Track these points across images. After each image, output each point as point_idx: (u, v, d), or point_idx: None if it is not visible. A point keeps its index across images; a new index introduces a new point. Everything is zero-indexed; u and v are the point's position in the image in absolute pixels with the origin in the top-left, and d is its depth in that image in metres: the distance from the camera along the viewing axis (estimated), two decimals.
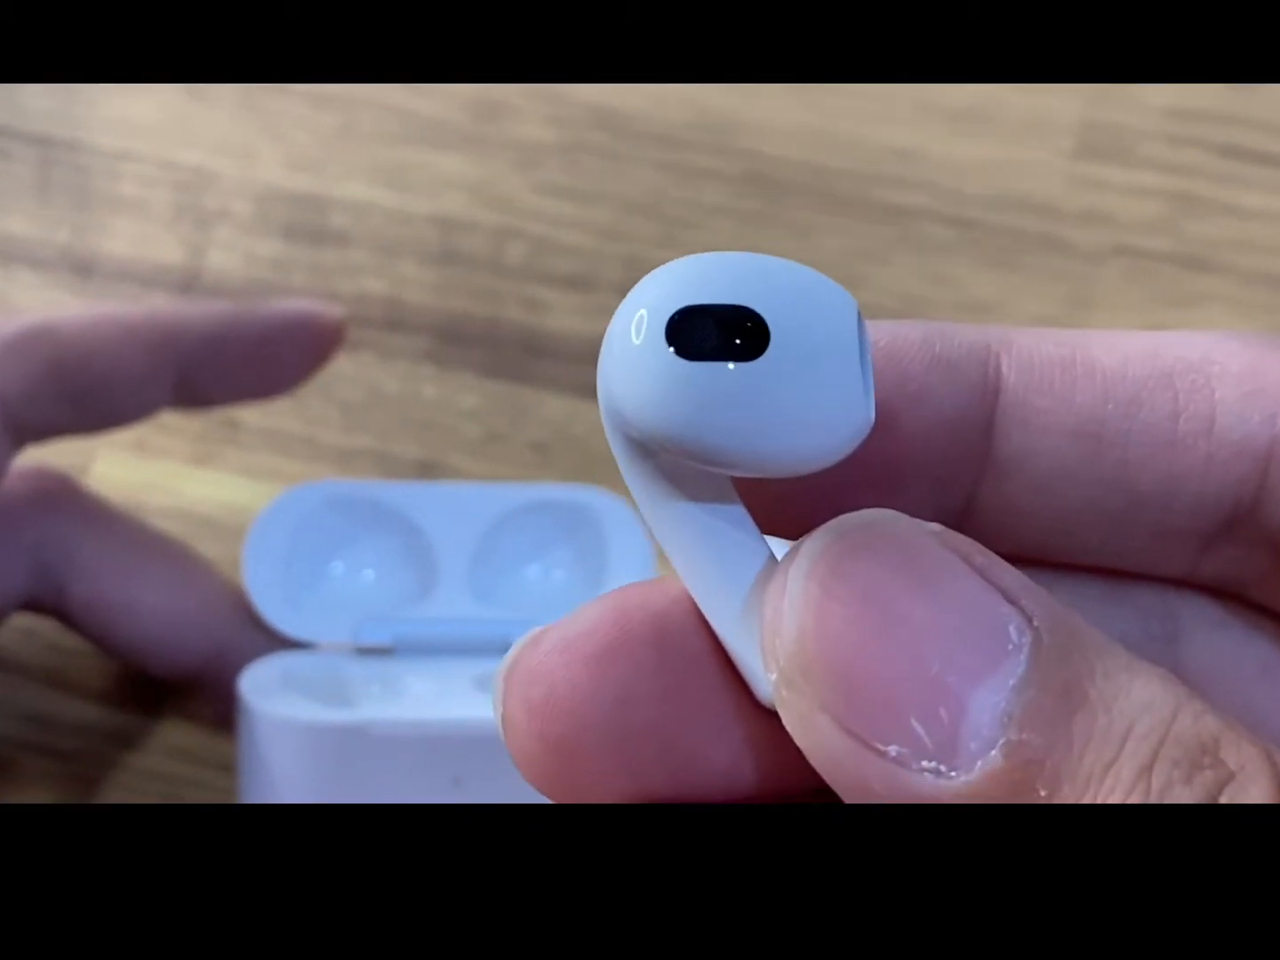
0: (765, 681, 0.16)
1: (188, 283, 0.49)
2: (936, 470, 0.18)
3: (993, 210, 0.49)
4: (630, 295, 0.16)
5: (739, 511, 0.17)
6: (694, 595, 0.17)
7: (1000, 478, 0.18)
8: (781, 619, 0.16)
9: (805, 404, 0.15)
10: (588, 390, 0.47)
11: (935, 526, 0.16)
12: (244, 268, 0.49)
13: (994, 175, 0.50)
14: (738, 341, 0.15)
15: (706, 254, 0.16)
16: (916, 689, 0.15)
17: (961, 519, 0.19)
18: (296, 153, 0.50)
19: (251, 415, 0.46)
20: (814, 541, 0.16)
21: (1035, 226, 0.49)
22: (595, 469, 0.46)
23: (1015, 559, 0.16)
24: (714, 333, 0.15)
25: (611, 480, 0.45)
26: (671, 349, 0.15)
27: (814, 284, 0.16)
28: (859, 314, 0.16)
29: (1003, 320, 0.48)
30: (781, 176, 0.50)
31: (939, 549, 0.16)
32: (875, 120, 0.50)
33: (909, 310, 0.48)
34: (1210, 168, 0.49)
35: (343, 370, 0.47)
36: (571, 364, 0.48)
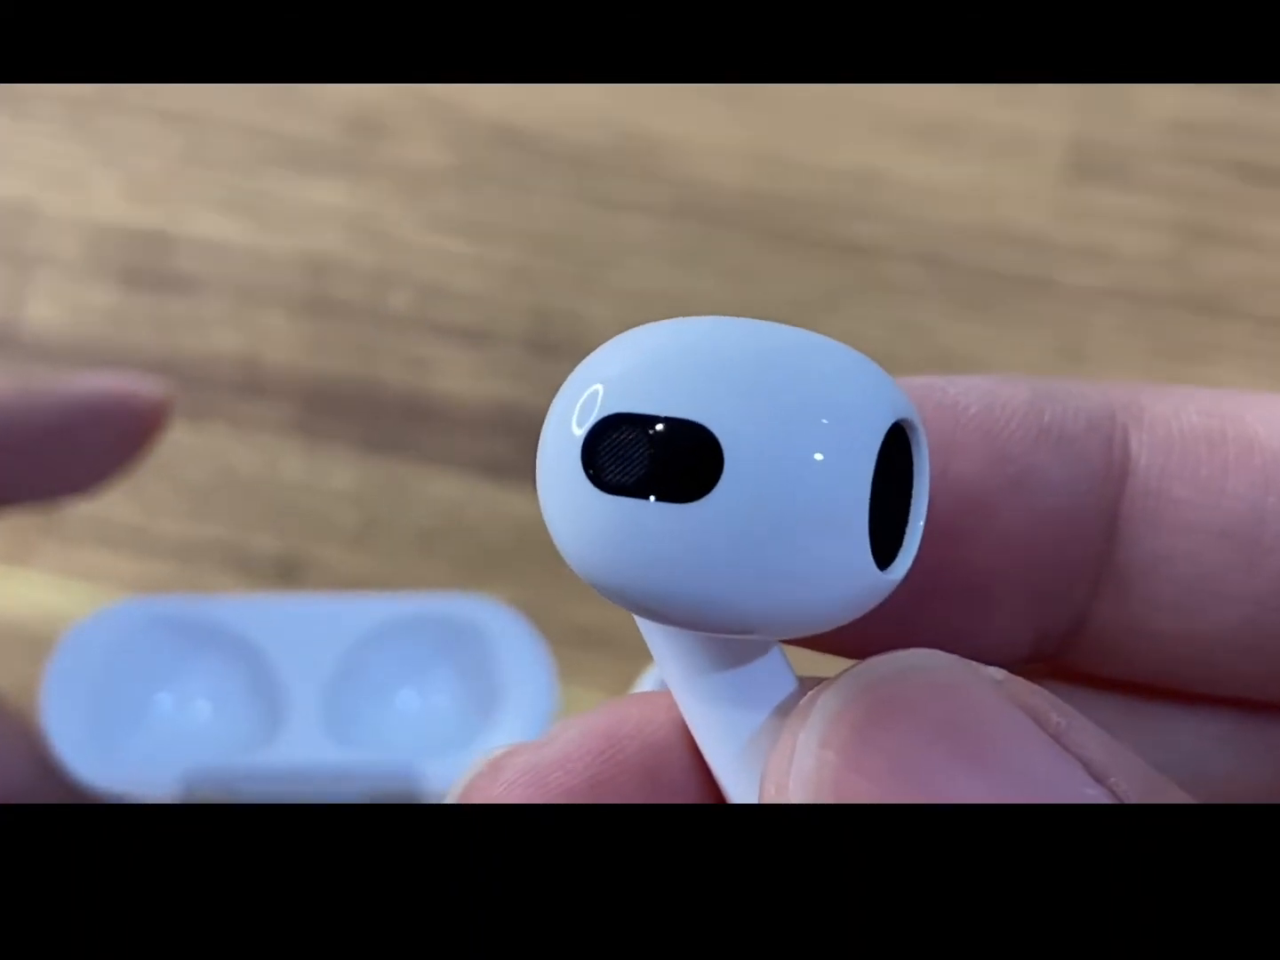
0: None
1: (1, 341, 0.45)
2: (1041, 579, 0.17)
3: (968, 245, 0.46)
4: (570, 377, 0.14)
5: None
6: (692, 730, 0.15)
7: (1124, 590, 0.17)
8: (787, 797, 0.14)
9: (768, 563, 0.13)
10: (485, 467, 0.43)
11: (997, 673, 0.15)
12: (71, 321, 0.45)
13: (969, 203, 0.47)
14: (675, 471, 0.13)
15: (683, 321, 0.14)
16: None
17: (1068, 642, 0.17)
18: (135, 181, 0.47)
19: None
20: (832, 696, 0.14)
21: (1018, 264, 0.46)
22: (494, 563, 0.42)
23: (1127, 687, 0.16)
24: (643, 455, 0.13)
25: (512, 578, 0.40)
26: (588, 474, 0.14)
27: (828, 380, 0.14)
28: (904, 425, 0.14)
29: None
30: (716, 206, 0.47)
31: (1002, 705, 0.14)
32: (826, 138, 0.47)
33: None
34: (1223, 190, 0.46)
35: (188, 444, 0.43)
36: (466, 435, 0.44)
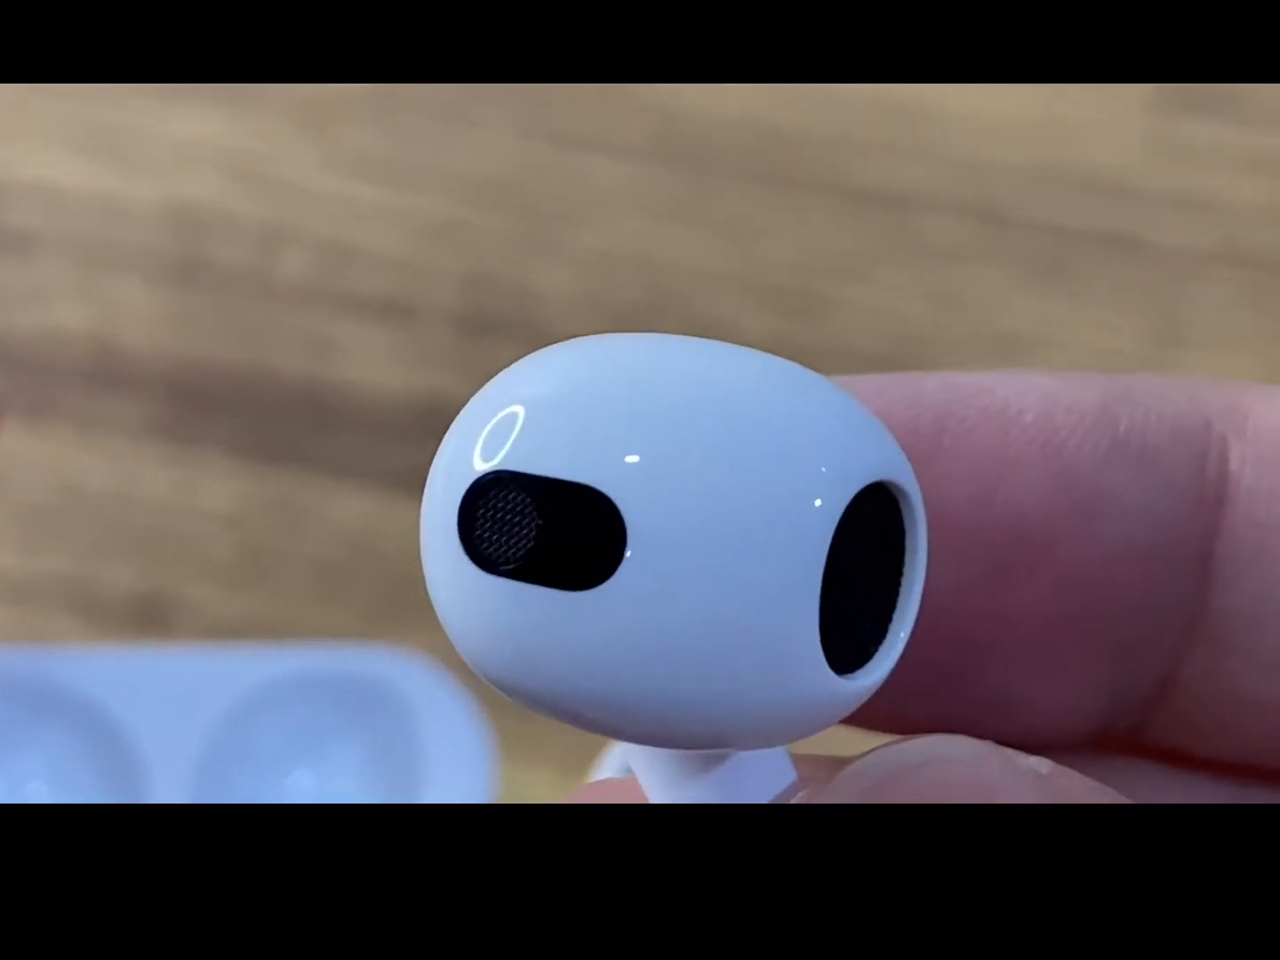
0: None
1: None
2: (1114, 631, 0.18)
3: (1031, 194, 0.48)
4: (466, 409, 0.15)
5: None
6: None
7: (1221, 646, 0.17)
8: None
9: (679, 667, 0.14)
10: (402, 480, 0.45)
11: (1041, 764, 0.15)
12: None
13: (1034, 140, 0.49)
14: (566, 550, 0.14)
15: (615, 342, 0.15)
16: None
17: (1150, 711, 0.18)
18: None
19: None
20: (838, 793, 0.15)
21: (1097, 219, 0.48)
22: (413, 605, 0.44)
23: (1224, 769, 0.16)
24: (529, 527, 0.14)
25: (437, 625, 0.42)
26: (465, 546, 0.14)
27: (774, 434, 0.14)
28: (887, 488, 0.15)
29: (1048, 361, 0.47)
30: (707, 145, 0.49)
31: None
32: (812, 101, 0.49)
33: (899, 353, 0.46)
34: None
35: (21, 452, 0.45)
36: (379, 439, 0.46)
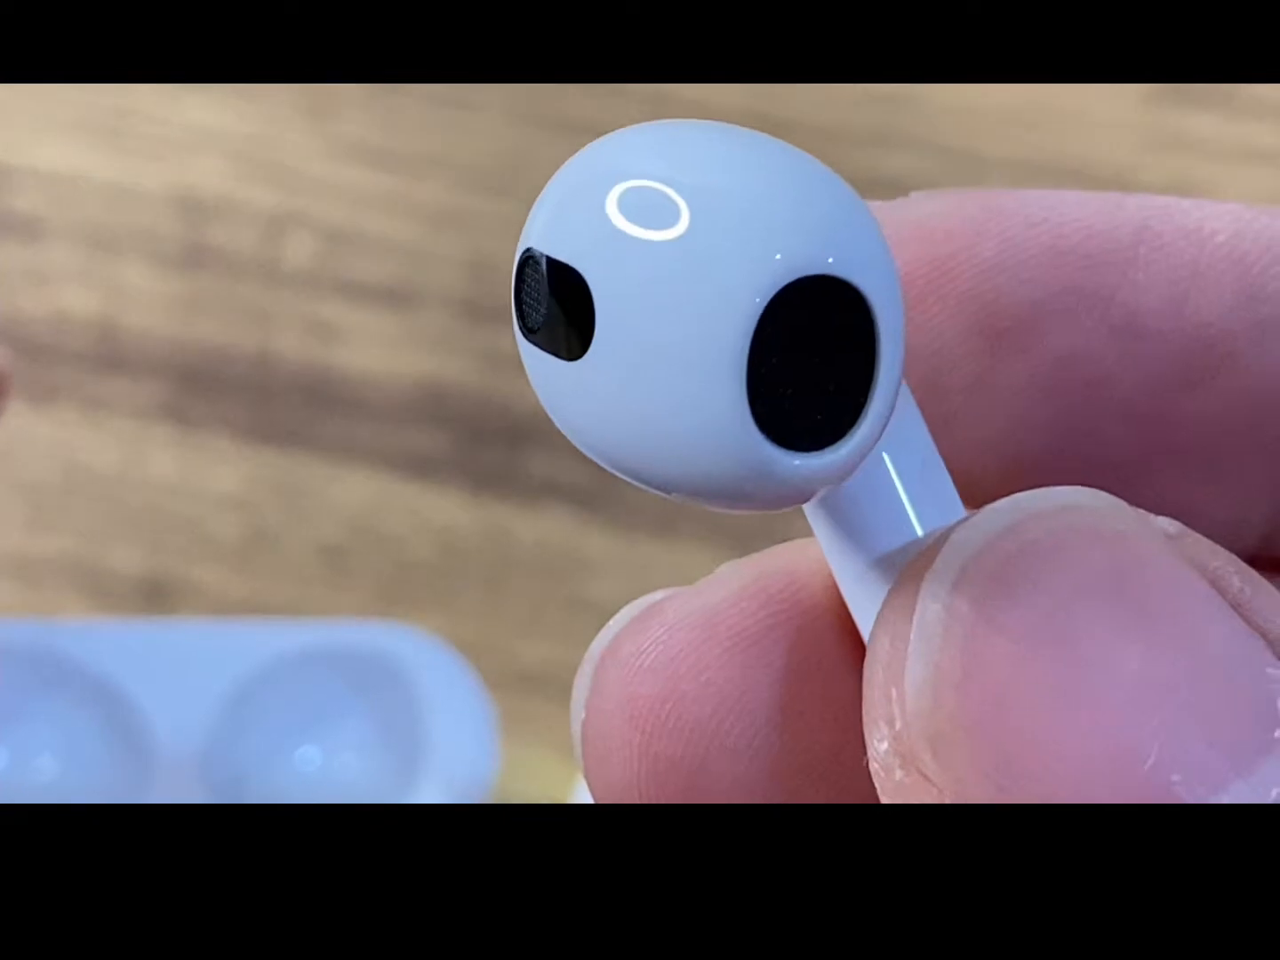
0: (877, 746, 0.16)
1: None
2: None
3: (1025, 186, 0.48)
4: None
5: (921, 460, 0.17)
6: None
7: None
8: (906, 658, 0.15)
9: (642, 428, 0.15)
10: (405, 463, 0.46)
11: (1171, 525, 0.16)
12: None
13: (1025, 130, 0.49)
14: (566, 319, 0.15)
15: (656, 127, 0.16)
16: (1121, 789, 0.14)
17: None
18: None
19: None
20: (969, 532, 0.15)
21: None
22: (417, 585, 0.45)
23: None
24: (544, 300, 0.15)
25: (441, 604, 0.43)
26: (517, 313, 0.16)
27: (725, 208, 0.15)
28: (836, 281, 0.15)
29: None
30: None
31: (1176, 563, 0.15)
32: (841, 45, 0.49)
33: None
34: None
35: (29, 433, 0.45)
36: (382, 423, 0.46)
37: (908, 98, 0.49)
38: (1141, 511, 0.16)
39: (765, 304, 0.15)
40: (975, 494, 0.19)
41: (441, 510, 0.45)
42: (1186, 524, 0.19)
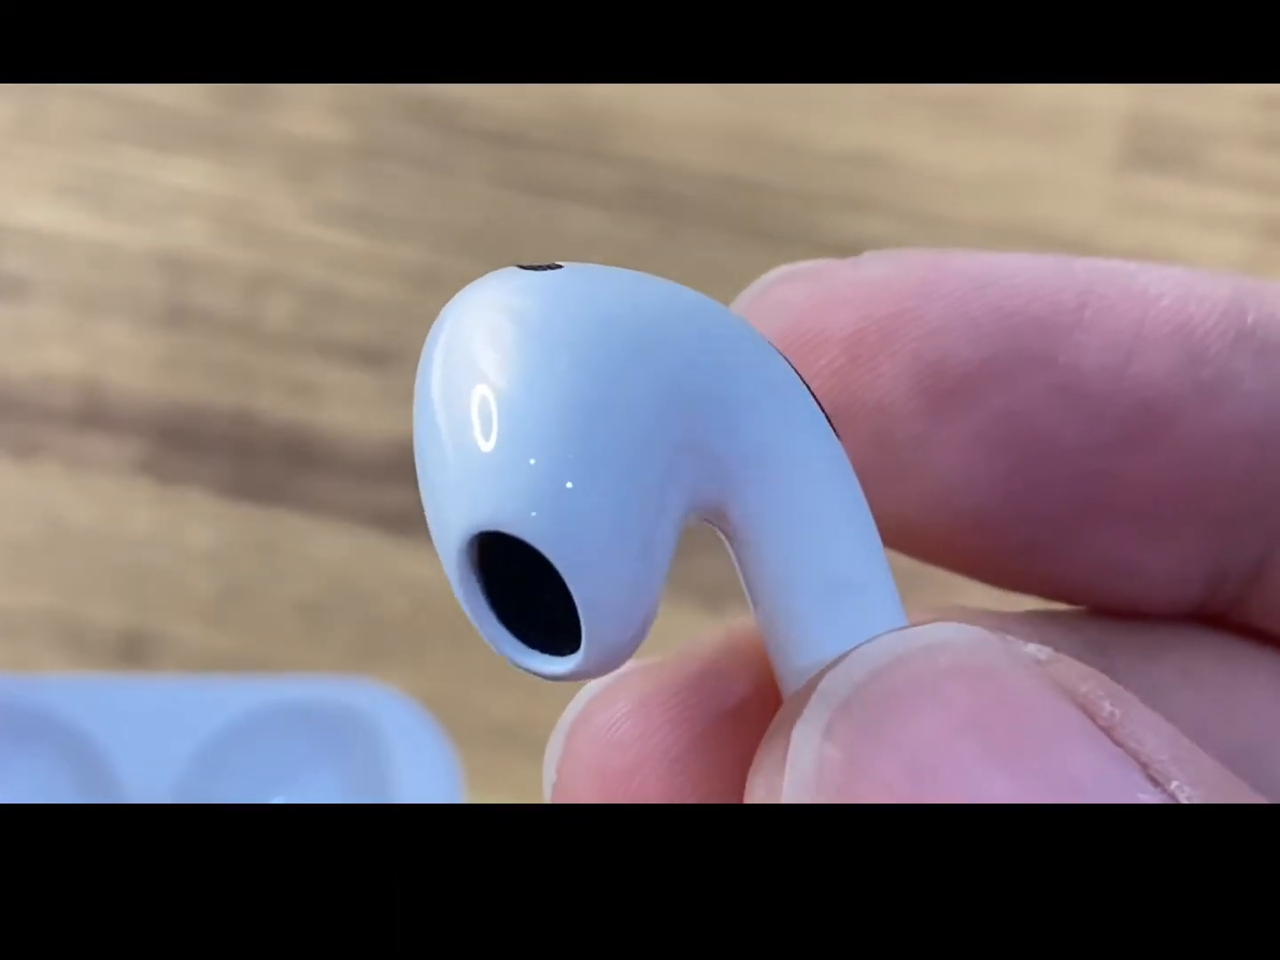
0: None
1: None
2: (1224, 506, 0.19)
3: (995, 249, 0.48)
4: None
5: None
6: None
7: None
8: (779, 800, 0.15)
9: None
10: (380, 520, 0.46)
11: (1040, 651, 0.16)
12: None
13: (998, 194, 0.50)
14: None
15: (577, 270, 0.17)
16: None
17: (1249, 589, 0.19)
18: None
19: None
20: (837, 678, 0.16)
21: None
22: (389, 641, 0.45)
23: None
24: None
25: (412, 660, 0.43)
26: None
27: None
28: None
29: None
30: (680, 194, 0.49)
31: (1045, 692, 0.15)
32: (820, 111, 0.50)
33: None
34: None
35: (10, 489, 0.46)
36: (358, 480, 0.47)
37: (884, 163, 0.50)
38: (1010, 640, 0.16)
39: (466, 544, 0.17)
40: (921, 549, 0.19)
41: (416, 567, 0.45)
42: (1126, 581, 0.19)
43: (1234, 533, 0.19)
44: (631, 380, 0.16)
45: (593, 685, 0.18)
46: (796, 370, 0.17)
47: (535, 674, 0.16)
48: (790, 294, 0.19)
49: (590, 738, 0.18)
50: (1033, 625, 0.19)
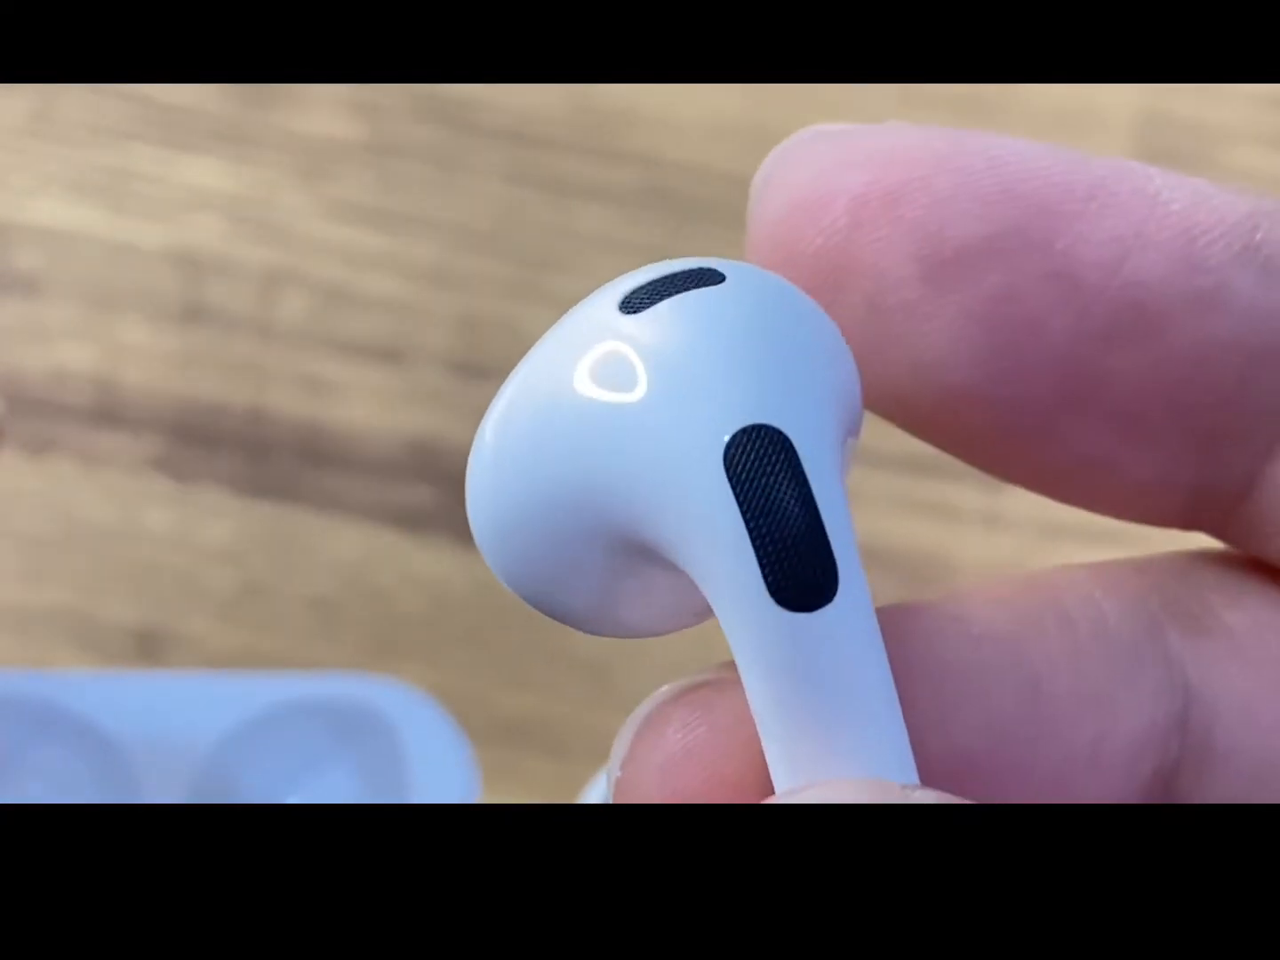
0: None
1: None
2: (1211, 419, 0.18)
3: None
4: None
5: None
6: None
7: None
8: None
9: None
10: (396, 518, 0.46)
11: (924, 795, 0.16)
12: None
13: None
14: None
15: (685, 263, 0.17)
16: None
17: (1234, 507, 0.19)
18: None
19: None
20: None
21: None
22: (405, 638, 0.45)
23: None
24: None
25: (428, 657, 0.43)
26: None
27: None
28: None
29: None
30: (694, 193, 0.50)
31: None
32: (833, 110, 0.50)
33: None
34: None
35: (25, 486, 0.46)
36: (373, 478, 0.47)
37: None
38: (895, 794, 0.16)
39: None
40: (909, 419, 0.19)
41: (431, 564, 0.45)
42: (1110, 481, 0.19)
43: (1219, 448, 0.19)
44: None
45: (665, 691, 0.18)
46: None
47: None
48: (811, 153, 0.19)
49: (659, 747, 0.18)
50: (1102, 573, 0.19)
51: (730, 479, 0.16)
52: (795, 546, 0.16)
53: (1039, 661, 0.19)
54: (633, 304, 0.17)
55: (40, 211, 0.49)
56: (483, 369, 0.47)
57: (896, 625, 0.18)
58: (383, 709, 0.40)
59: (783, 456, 0.16)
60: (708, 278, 0.17)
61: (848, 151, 0.18)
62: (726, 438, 0.16)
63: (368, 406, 0.47)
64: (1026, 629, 0.19)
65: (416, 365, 0.48)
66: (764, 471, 0.16)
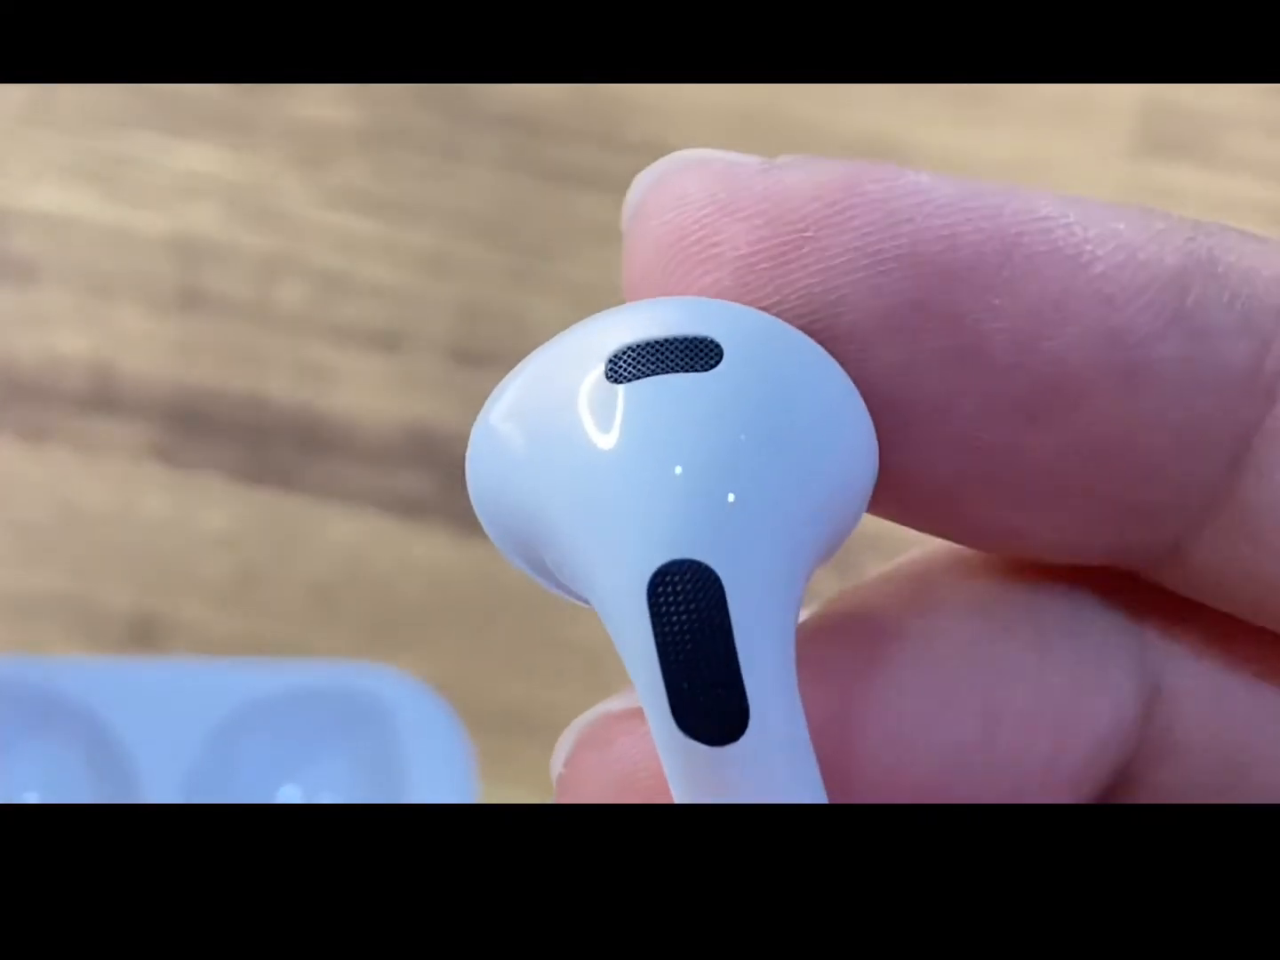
0: None
1: None
2: (1132, 493, 0.17)
3: None
4: None
5: None
6: None
7: (1241, 531, 0.17)
8: None
9: None
10: (394, 505, 0.46)
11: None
12: None
13: (1012, 182, 0.49)
14: None
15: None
16: None
17: (1159, 569, 0.18)
18: None
19: None
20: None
21: None
22: (402, 626, 0.45)
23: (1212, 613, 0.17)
24: None
25: (425, 645, 0.43)
26: None
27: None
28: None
29: None
30: None
31: None
32: (833, 98, 0.50)
33: None
34: None
35: (21, 473, 0.46)
36: (371, 465, 0.46)
37: (898, 151, 0.50)
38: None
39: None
40: None
41: (427, 551, 0.45)
42: (1023, 545, 0.18)
43: (1141, 521, 0.18)
44: None
45: (608, 703, 0.18)
46: None
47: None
48: (690, 190, 0.17)
49: (603, 764, 0.18)
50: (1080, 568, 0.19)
51: (650, 607, 0.15)
52: (703, 686, 0.15)
53: (1003, 677, 0.18)
54: (619, 368, 0.16)
55: (38, 197, 0.49)
56: (481, 357, 0.47)
57: (859, 647, 0.18)
58: (380, 697, 0.40)
59: (706, 595, 0.15)
60: (701, 356, 0.16)
61: (732, 196, 0.17)
62: (658, 565, 0.15)
63: (366, 393, 0.47)
64: (995, 636, 0.18)
65: (415, 353, 0.47)
66: (685, 608, 0.15)
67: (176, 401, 0.47)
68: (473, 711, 0.41)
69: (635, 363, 0.16)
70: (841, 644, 0.18)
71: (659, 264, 0.17)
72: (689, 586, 0.15)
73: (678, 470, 0.15)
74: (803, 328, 0.16)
